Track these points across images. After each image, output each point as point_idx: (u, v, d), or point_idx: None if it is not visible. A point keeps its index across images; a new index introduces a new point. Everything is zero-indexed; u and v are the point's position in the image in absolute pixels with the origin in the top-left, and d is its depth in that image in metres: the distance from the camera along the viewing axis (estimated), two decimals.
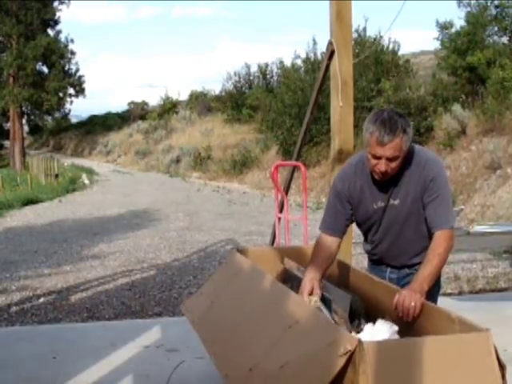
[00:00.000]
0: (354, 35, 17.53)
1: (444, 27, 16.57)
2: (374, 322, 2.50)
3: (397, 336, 2.37)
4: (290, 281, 3.19)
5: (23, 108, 37.45)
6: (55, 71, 35.91)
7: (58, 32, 37.11)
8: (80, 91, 38.35)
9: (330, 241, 2.93)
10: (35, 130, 45.88)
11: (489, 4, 15.81)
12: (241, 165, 22.59)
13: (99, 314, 6.01)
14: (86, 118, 51.80)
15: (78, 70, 38.12)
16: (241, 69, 29.22)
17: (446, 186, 2.78)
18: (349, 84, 5.20)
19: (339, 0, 5.17)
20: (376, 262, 3.08)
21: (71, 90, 38.17)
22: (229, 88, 29.18)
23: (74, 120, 49.98)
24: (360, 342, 1.96)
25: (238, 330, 2.78)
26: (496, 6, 15.72)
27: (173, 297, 6.65)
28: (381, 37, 18.13)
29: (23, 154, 36.48)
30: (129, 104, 45.47)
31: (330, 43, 5.25)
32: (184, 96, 39.28)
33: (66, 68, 37.33)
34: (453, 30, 16.51)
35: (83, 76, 38.52)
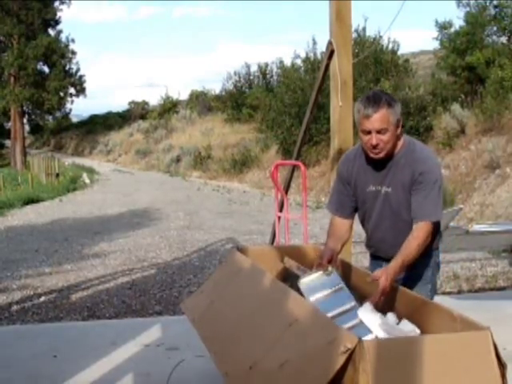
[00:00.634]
0: (354, 35, 17.55)
1: (443, 27, 16.59)
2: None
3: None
4: (290, 279, 3.20)
5: (24, 107, 37.49)
6: (56, 71, 35.94)
7: (59, 32, 37.19)
8: (81, 91, 38.39)
9: (340, 222, 3.08)
10: (36, 129, 45.85)
11: (488, 4, 15.83)
12: (241, 164, 22.60)
13: (100, 313, 6.03)
14: (86, 117, 51.87)
15: (78, 70, 38.22)
16: (241, 68, 29.30)
17: (435, 182, 2.81)
18: (348, 84, 5.21)
19: (339, 0, 5.19)
20: (374, 256, 3.18)
21: (72, 90, 38.25)
22: (229, 88, 29.23)
23: (74, 119, 50.05)
24: (360, 340, 1.97)
25: (238, 329, 2.79)
26: (495, 6, 15.74)
27: (173, 295, 6.66)
28: (380, 37, 18.17)
29: (24, 154, 36.50)
30: (129, 103, 45.52)
31: (330, 43, 5.27)
32: (184, 95, 39.46)
33: (67, 68, 37.37)
34: (452, 29, 16.55)
35: (84, 76, 38.65)
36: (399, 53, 19.38)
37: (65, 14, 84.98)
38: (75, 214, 14.13)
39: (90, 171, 27.92)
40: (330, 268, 2.80)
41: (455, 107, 14.23)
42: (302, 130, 6.54)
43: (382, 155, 2.83)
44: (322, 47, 18.55)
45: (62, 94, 37.21)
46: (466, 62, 15.41)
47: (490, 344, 2.10)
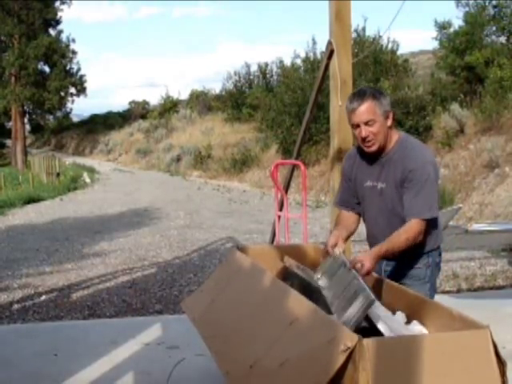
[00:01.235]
0: (354, 35, 17.54)
1: (442, 27, 16.58)
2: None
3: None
4: (290, 279, 3.21)
5: (25, 107, 37.50)
6: (57, 70, 35.97)
7: (60, 32, 37.23)
8: (81, 90, 38.41)
9: (346, 214, 3.15)
10: (37, 129, 45.84)
11: (487, 4, 15.82)
12: (241, 163, 22.59)
13: (100, 312, 6.04)
14: (87, 117, 51.86)
15: (79, 70, 38.27)
16: (241, 68, 29.25)
17: (426, 180, 2.81)
18: (348, 83, 5.22)
19: (338, 0, 5.20)
20: None
21: (72, 90, 38.28)
22: (229, 87, 29.21)
23: (75, 119, 50.03)
24: (360, 339, 1.97)
25: (239, 328, 2.80)
26: (494, 6, 15.74)
27: (173, 294, 6.67)
28: (380, 36, 18.16)
29: (25, 153, 36.52)
30: (130, 103, 45.57)
31: (330, 43, 5.28)
32: (184, 95, 39.49)
33: (68, 67, 37.42)
34: (451, 29, 16.53)
35: (84, 75, 38.69)
36: (399, 53, 19.39)
37: (65, 13, 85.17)
38: (76, 213, 14.15)
39: (91, 170, 27.93)
40: (337, 251, 2.85)
41: (454, 107, 14.23)
42: (302, 130, 6.55)
43: (374, 148, 2.88)
44: (321, 47, 18.56)
45: (62, 93, 37.24)
46: (466, 61, 15.41)
47: (490, 342, 2.10)
